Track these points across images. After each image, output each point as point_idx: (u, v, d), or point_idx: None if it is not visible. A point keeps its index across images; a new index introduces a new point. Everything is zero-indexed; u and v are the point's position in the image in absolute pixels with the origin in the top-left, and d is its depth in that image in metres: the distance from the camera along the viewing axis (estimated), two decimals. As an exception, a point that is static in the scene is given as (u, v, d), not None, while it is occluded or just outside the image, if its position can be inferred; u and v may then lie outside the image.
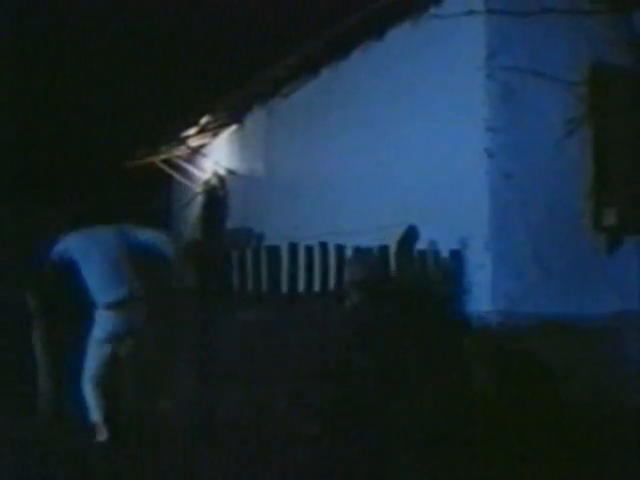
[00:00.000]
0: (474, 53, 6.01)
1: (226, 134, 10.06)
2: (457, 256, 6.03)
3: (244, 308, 6.10)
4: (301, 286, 6.05)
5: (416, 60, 6.63)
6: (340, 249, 6.03)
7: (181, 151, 10.34)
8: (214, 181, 10.07)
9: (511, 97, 5.96)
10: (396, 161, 6.82)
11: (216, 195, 9.99)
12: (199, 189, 10.39)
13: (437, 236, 6.07)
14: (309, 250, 6.07)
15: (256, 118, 9.51)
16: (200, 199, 10.41)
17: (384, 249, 5.99)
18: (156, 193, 10.93)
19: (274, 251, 6.06)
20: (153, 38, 8.70)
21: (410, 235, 5.88)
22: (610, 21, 6.33)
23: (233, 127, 9.80)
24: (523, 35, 6.07)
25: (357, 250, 6.02)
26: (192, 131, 9.65)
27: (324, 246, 6.06)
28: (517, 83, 5.99)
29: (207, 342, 5.59)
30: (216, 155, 10.30)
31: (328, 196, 7.89)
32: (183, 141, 9.80)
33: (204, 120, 9.35)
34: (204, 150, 10.49)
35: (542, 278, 6.08)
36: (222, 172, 10.06)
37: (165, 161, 10.54)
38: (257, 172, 9.47)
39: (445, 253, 6.13)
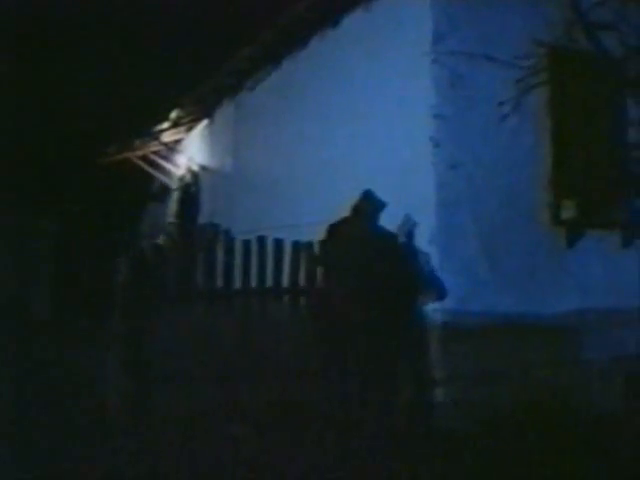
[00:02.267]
0: (420, 37, 5.70)
1: (199, 129, 9.89)
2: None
3: (180, 306, 5.95)
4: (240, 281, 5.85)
5: (368, 47, 6.34)
6: (279, 243, 5.82)
7: (156, 147, 10.18)
8: (187, 177, 9.91)
9: (459, 83, 5.63)
10: (349, 152, 6.54)
11: (189, 191, 9.82)
12: (174, 185, 10.23)
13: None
14: (246, 244, 5.84)
15: (225, 112, 9.31)
16: (175, 196, 10.26)
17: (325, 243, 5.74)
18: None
19: (230, 246, 5.89)
20: (119, 34, 8.54)
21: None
22: (569, 3, 6.02)
23: (204, 122, 9.64)
24: (473, 18, 5.75)
25: (295, 245, 5.78)
26: (164, 126, 9.49)
27: (262, 240, 5.83)
28: (466, 68, 5.66)
29: (137, 341, 5.41)
30: (190, 151, 10.13)
31: (285, 190, 7.68)
32: (156, 136, 9.63)
33: (174, 114, 9.18)
34: (179, 146, 10.33)
35: (494, 274, 5.75)
36: (195, 168, 9.89)
37: (143, 158, 10.41)
38: (226, 167, 9.26)
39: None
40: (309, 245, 5.78)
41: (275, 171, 7.91)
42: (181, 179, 10.07)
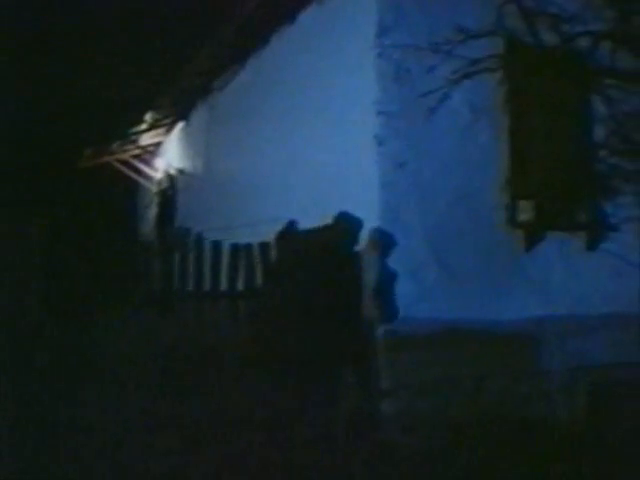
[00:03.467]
0: (366, 30, 5.44)
1: (176, 132, 9.74)
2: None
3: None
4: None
5: (320, 43, 6.10)
6: (217, 245, 5.62)
7: (136, 151, 10.06)
8: (165, 181, 9.76)
9: (406, 78, 5.40)
10: (301, 152, 6.32)
11: (167, 195, 9.68)
12: (154, 189, 10.11)
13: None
14: (199, 247, 5.67)
15: (199, 114, 9.15)
16: (155, 199, 10.13)
17: (264, 246, 5.52)
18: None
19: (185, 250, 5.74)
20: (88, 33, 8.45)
21: (290, 230, 5.36)
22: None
23: (181, 124, 9.48)
24: (422, 9, 5.48)
25: (234, 247, 5.57)
26: (141, 128, 9.37)
27: (199, 242, 5.66)
28: (413, 62, 5.41)
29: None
30: (168, 154, 9.99)
31: (251, 191, 7.46)
32: (133, 140, 9.51)
33: (149, 117, 9.05)
34: (158, 149, 10.20)
35: (444, 280, 5.47)
36: (172, 171, 9.74)
37: (124, 162, 10.29)
38: (199, 170, 9.09)
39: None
40: (248, 247, 5.59)
41: (242, 172, 7.71)
42: (159, 183, 9.94)
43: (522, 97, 5.77)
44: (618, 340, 6.13)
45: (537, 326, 5.75)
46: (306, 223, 5.82)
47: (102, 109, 8.69)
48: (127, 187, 10.69)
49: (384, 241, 5.13)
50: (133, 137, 9.55)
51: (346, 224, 5.07)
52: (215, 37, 7.41)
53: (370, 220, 5.33)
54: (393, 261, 5.28)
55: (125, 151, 9.96)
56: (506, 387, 5.66)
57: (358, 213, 5.39)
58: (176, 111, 9.22)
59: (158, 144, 10.20)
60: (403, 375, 5.32)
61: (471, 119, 5.57)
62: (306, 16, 6.47)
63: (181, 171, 9.51)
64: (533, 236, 5.71)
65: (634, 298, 6.07)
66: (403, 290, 5.31)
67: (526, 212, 5.59)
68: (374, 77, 5.38)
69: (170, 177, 9.74)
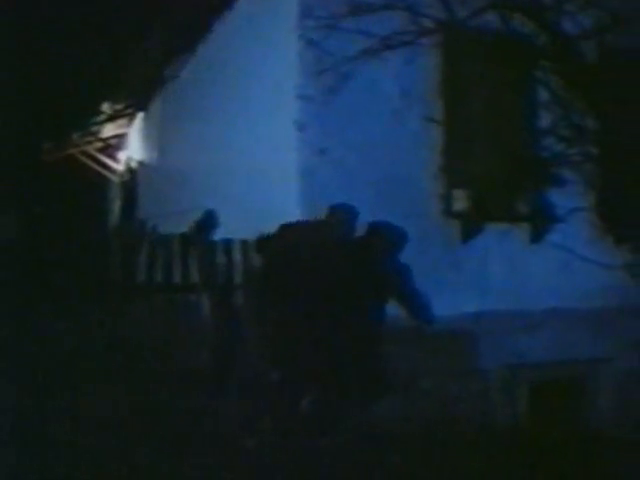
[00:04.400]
0: (288, 11, 5.19)
1: (136, 123, 9.54)
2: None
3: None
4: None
5: (248, 26, 5.85)
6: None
7: (99, 144, 9.87)
8: (127, 173, 9.57)
9: (329, 61, 5.09)
10: (230, 140, 6.08)
11: (129, 188, 9.49)
12: (117, 182, 9.93)
13: (248, 223, 5.32)
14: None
15: (156, 105, 8.94)
16: (118, 192, 9.94)
17: (185, 237, 5.30)
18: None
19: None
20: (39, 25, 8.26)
21: (207, 221, 5.13)
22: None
23: (140, 115, 9.28)
24: (346, -11, 5.27)
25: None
26: (99, 120, 9.17)
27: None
28: (337, 45, 5.16)
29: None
30: (129, 146, 9.80)
31: (198, 183, 7.25)
32: (94, 132, 9.32)
33: (106, 107, 8.85)
34: (121, 141, 10.00)
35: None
36: (133, 164, 9.54)
37: (88, 155, 10.10)
38: (156, 161, 8.89)
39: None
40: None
41: (189, 162, 7.48)
42: (122, 175, 9.76)
43: (459, 83, 5.49)
44: (563, 336, 5.86)
45: (474, 322, 5.46)
46: (231, 212, 5.62)
47: (55, 100, 8.52)
48: (94, 181, 10.53)
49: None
50: (93, 129, 9.37)
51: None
52: (163, 24, 7.20)
53: (291, 211, 5.13)
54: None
55: (88, 143, 9.79)
56: (438, 386, 5.41)
57: (278, 203, 5.18)
58: (135, 102, 9.04)
59: (121, 136, 10.05)
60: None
61: (402, 104, 5.33)
62: (241, 0, 6.26)
63: (141, 163, 9.33)
64: (470, 227, 5.42)
65: (581, 292, 5.79)
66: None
67: (461, 202, 5.30)
68: (295, 60, 5.15)
69: (131, 169, 9.56)
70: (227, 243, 5.17)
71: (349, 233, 4.62)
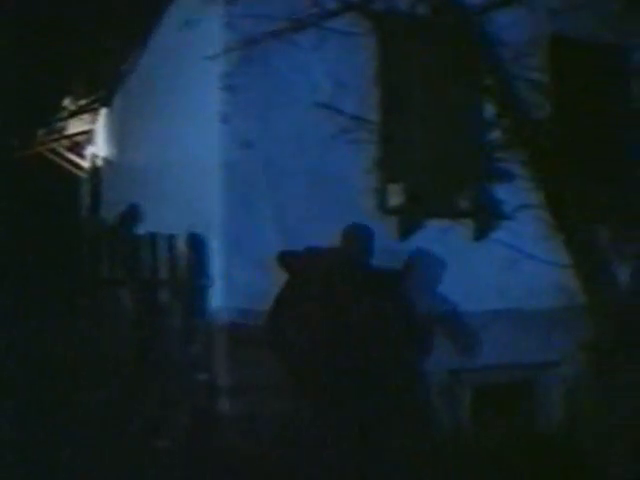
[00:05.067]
0: (214, -1, 5.03)
1: (101, 119, 9.37)
2: (196, 241, 5.08)
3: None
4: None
5: (180, 15, 5.63)
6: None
7: (66, 141, 9.71)
8: (92, 170, 9.42)
9: (256, 50, 4.86)
10: (162, 131, 5.91)
11: (94, 185, 9.33)
12: (84, 179, 9.77)
13: (176, 217, 5.13)
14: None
15: (116, 100, 8.77)
16: (85, 189, 9.78)
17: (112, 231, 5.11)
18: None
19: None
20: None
21: (129, 215, 4.94)
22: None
23: (104, 111, 9.11)
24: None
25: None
26: (63, 116, 9.02)
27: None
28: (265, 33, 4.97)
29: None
30: (95, 142, 9.63)
31: (147, 180, 7.06)
32: (59, 128, 9.16)
33: (68, 103, 8.69)
34: (88, 138, 9.84)
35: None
36: (98, 160, 9.38)
37: (56, 153, 9.95)
38: (114, 158, 8.71)
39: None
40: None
41: (139, 159, 7.31)
42: (88, 172, 9.60)
43: (396, 71, 5.24)
44: (509, 339, 5.61)
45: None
46: (163, 207, 5.45)
47: (18, 97, 8.37)
48: (66, 178, 10.38)
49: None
50: (59, 126, 9.22)
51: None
52: (113, 16, 7.03)
53: (214, 205, 4.93)
54: (238, 251, 4.89)
55: (54, 141, 9.64)
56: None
57: (204, 198, 4.98)
58: (98, 97, 8.88)
59: (88, 132, 9.89)
60: (249, 373, 4.88)
61: (335, 94, 5.11)
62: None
63: (105, 160, 9.16)
64: (408, 224, 5.20)
65: (528, 292, 5.54)
66: (250, 281, 4.88)
67: (397, 197, 5.07)
68: (221, 49, 4.94)
69: (95, 166, 9.40)
70: (152, 237, 4.99)
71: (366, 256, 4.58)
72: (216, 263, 4.84)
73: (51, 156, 9.82)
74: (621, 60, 6.16)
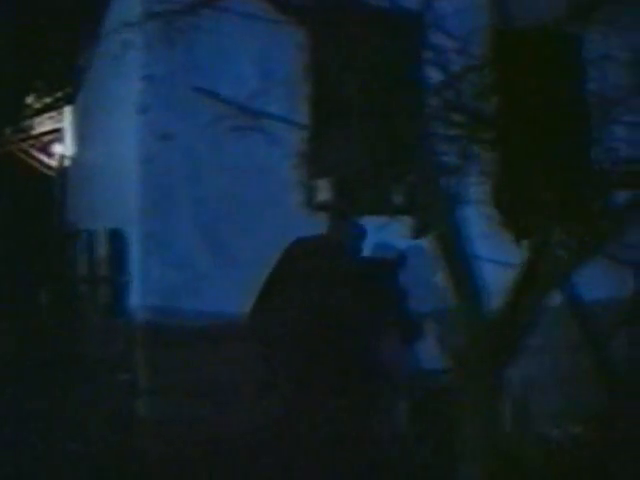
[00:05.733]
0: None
1: (68, 117, 9.26)
2: (117, 236, 4.91)
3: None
4: None
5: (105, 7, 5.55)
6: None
7: (34, 140, 9.61)
8: (59, 170, 9.30)
9: (178, 38, 4.66)
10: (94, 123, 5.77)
11: (60, 184, 9.21)
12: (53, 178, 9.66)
13: (105, 215, 4.97)
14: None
15: (81, 98, 8.66)
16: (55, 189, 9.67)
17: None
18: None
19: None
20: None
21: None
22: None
23: (69, 109, 9.00)
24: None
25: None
26: (27, 114, 8.92)
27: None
28: (189, 20, 4.78)
29: None
30: (63, 141, 9.53)
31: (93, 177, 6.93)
32: (25, 127, 9.07)
33: (31, 101, 8.60)
34: (56, 136, 9.73)
35: (221, 268, 4.75)
36: (64, 160, 9.27)
37: (25, 152, 9.85)
38: (77, 156, 8.59)
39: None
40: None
41: (92, 157, 7.18)
42: (56, 172, 9.49)
43: (328, 62, 5.01)
44: (449, 342, 5.38)
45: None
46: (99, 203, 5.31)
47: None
48: (37, 178, 10.30)
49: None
50: (25, 124, 9.13)
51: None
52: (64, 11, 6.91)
53: (132, 199, 4.76)
54: (156, 245, 4.71)
55: (22, 140, 9.55)
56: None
57: (124, 193, 4.82)
58: (63, 95, 8.77)
59: (57, 131, 9.79)
60: (165, 375, 4.68)
61: (261, 87, 4.92)
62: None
63: (71, 158, 9.05)
64: (338, 221, 5.00)
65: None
66: (168, 277, 4.69)
67: (325, 192, 4.88)
68: (140, 37, 4.79)
69: (62, 166, 9.29)
70: (75, 234, 4.85)
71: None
72: (135, 260, 4.70)
73: (22, 156, 9.75)
74: (576, 49, 5.93)
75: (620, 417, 5.49)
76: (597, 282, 5.56)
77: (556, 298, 5.70)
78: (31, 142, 9.44)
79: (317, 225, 5.01)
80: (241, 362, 4.59)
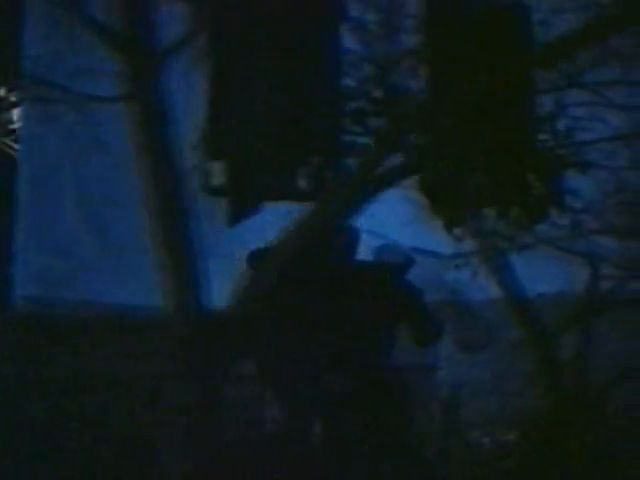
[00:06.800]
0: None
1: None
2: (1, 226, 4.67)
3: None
4: None
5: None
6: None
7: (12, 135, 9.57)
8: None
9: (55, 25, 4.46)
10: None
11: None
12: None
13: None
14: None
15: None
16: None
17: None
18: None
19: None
20: None
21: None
22: None
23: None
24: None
25: None
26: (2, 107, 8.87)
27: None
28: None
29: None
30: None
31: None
32: (3, 122, 9.03)
33: (3, 93, 8.53)
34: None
35: (106, 257, 4.48)
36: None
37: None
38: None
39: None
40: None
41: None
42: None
43: (223, 38, 4.73)
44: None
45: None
46: None
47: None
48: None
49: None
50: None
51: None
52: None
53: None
54: (36, 232, 4.45)
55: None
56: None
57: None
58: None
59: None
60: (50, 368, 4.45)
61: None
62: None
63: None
64: (238, 207, 4.66)
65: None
66: (48, 266, 4.45)
67: (219, 175, 4.54)
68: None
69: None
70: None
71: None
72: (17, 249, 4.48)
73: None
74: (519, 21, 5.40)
75: (560, 421, 5.06)
76: (544, 275, 5.17)
77: (495, 292, 5.44)
78: (11, 136, 9.44)
79: (212, 211, 4.74)
80: (139, 357, 4.37)
